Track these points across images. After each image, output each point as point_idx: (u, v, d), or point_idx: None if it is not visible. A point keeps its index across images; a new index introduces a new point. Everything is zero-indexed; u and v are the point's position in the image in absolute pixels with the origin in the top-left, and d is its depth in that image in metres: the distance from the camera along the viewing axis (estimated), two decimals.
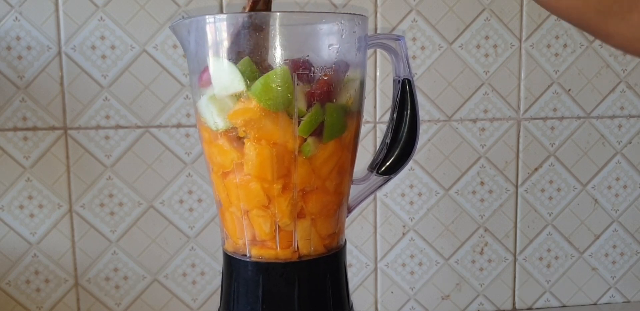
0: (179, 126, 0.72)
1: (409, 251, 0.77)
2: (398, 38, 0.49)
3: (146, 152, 0.72)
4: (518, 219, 0.79)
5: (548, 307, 0.81)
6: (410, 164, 0.75)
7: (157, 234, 0.73)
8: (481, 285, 0.79)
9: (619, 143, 0.79)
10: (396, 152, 0.50)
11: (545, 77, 0.76)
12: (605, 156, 0.79)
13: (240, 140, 0.45)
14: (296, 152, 0.45)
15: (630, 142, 0.79)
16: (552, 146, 0.78)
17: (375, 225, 0.76)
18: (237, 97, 0.44)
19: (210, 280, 0.75)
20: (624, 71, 0.78)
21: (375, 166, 0.51)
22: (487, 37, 0.75)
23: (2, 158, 0.70)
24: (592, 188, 0.80)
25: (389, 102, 0.74)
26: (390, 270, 0.77)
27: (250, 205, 0.46)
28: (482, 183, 0.77)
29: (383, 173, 0.51)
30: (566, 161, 0.79)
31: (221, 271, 0.52)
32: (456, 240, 0.78)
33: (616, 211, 0.81)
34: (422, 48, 0.74)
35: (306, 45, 0.45)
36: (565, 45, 0.76)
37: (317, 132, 0.45)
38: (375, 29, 0.73)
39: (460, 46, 0.74)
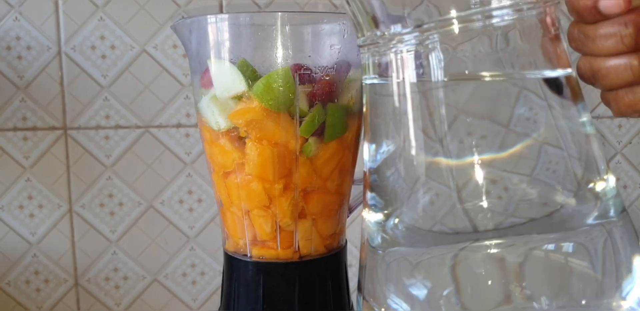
0: (179, 126, 0.72)
1: None
2: None
3: (146, 152, 0.72)
4: None
5: None
6: None
7: (157, 234, 0.73)
8: None
9: (619, 143, 0.79)
10: None
11: None
12: (606, 156, 0.79)
13: (241, 140, 0.45)
14: (297, 153, 0.45)
15: (630, 142, 0.80)
16: None
17: None
18: (239, 97, 0.44)
19: (210, 280, 0.75)
20: None
21: None
22: None
23: (2, 158, 0.70)
24: None
25: None
26: None
27: (251, 205, 0.46)
28: None
29: None
30: None
31: (221, 271, 0.52)
32: None
33: None
34: None
35: (308, 46, 0.45)
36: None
37: (319, 132, 0.45)
38: None
39: None
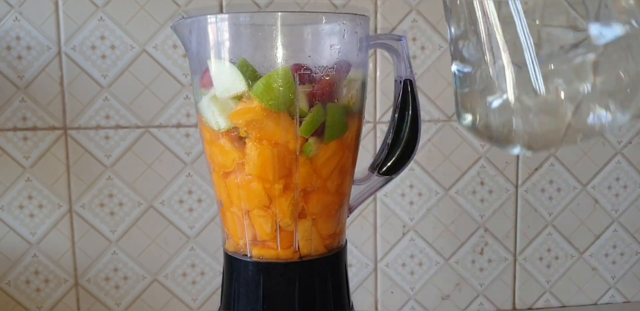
0: (179, 126, 0.72)
1: (409, 251, 0.77)
2: (400, 38, 0.49)
3: (146, 152, 0.72)
4: (518, 219, 0.79)
5: (548, 307, 0.81)
6: (410, 164, 0.75)
7: (157, 234, 0.73)
8: (481, 285, 0.79)
9: (619, 143, 0.79)
10: (397, 153, 0.50)
11: None
12: (605, 156, 0.79)
13: (241, 140, 0.45)
14: (297, 153, 0.45)
15: (631, 142, 0.80)
16: None
17: (375, 225, 0.76)
18: (239, 97, 0.44)
19: (210, 280, 0.75)
20: None
21: (376, 167, 0.51)
22: None
23: (2, 158, 0.70)
24: (592, 188, 0.80)
25: (389, 103, 0.74)
26: (390, 270, 0.77)
27: (251, 205, 0.46)
28: (482, 183, 0.77)
29: (384, 173, 0.51)
30: (566, 161, 0.79)
31: (221, 271, 0.52)
32: (456, 240, 0.78)
33: (616, 211, 0.81)
34: (422, 48, 0.74)
35: (308, 46, 0.45)
36: None
37: (319, 132, 0.45)
38: (376, 29, 0.73)
39: None
